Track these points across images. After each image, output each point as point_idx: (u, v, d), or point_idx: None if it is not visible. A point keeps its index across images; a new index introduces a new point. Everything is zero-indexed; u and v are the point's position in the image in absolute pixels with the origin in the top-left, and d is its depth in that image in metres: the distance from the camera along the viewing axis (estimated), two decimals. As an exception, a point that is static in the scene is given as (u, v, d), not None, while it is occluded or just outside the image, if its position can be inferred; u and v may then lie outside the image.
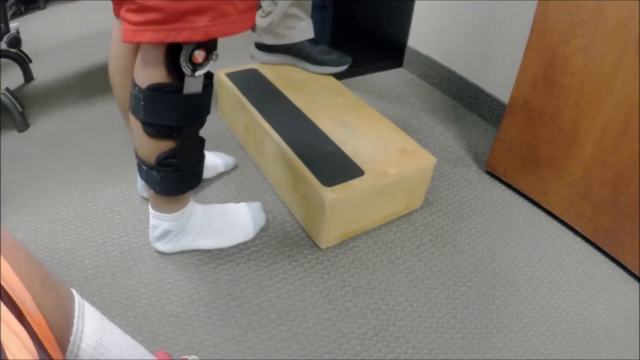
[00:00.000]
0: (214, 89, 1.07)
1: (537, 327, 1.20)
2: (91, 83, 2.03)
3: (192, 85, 0.98)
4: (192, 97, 0.99)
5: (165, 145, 1.03)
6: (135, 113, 1.01)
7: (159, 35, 0.86)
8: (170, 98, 0.97)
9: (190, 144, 1.08)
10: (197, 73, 0.95)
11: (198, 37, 0.87)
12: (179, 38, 0.87)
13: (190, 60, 0.93)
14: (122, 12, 0.88)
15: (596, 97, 1.29)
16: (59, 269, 1.21)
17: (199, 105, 1.04)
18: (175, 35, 0.86)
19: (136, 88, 0.98)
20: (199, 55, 0.93)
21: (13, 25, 2.00)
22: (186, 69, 0.94)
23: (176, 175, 1.08)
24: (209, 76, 1.02)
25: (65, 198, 1.42)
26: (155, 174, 1.07)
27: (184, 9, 0.84)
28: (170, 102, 0.98)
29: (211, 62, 0.97)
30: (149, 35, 0.86)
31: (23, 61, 2.00)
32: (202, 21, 0.86)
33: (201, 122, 1.08)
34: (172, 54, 0.92)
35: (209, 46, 0.94)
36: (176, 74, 0.94)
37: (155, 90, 0.96)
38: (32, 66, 2.05)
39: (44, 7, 2.85)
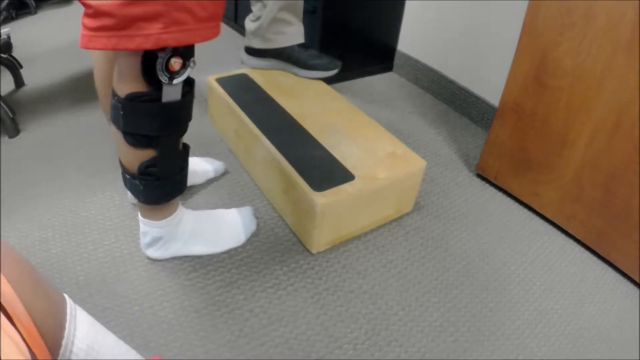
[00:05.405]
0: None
1: (530, 329, 1.20)
2: (82, 89, 2.02)
3: (171, 93, 0.96)
4: (171, 105, 0.98)
5: (146, 154, 1.02)
6: (115, 123, 0.99)
7: (111, 42, 0.84)
8: (149, 107, 0.96)
9: (172, 152, 1.07)
10: (175, 81, 0.94)
11: (149, 45, 0.85)
12: (130, 45, 0.84)
13: (167, 68, 0.91)
14: (81, 17, 0.86)
15: (587, 99, 1.29)
16: (50, 275, 1.20)
17: (179, 114, 1.02)
18: (126, 43, 0.84)
19: (115, 98, 0.96)
20: (176, 63, 0.91)
21: (4, 30, 2.00)
22: (163, 78, 0.92)
23: (158, 184, 1.08)
24: (189, 83, 1.00)
25: (57, 205, 1.42)
26: (138, 182, 1.06)
27: (135, 15, 0.81)
28: (149, 111, 0.97)
29: (189, 70, 0.95)
30: (102, 41, 0.84)
31: (14, 66, 1.99)
32: (153, 28, 0.83)
33: (182, 130, 1.07)
34: (149, 62, 0.90)
35: (186, 54, 0.93)
36: (153, 82, 0.93)
37: (133, 99, 0.94)
38: (23, 72, 2.04)
39: (35, 12, 2.84)
